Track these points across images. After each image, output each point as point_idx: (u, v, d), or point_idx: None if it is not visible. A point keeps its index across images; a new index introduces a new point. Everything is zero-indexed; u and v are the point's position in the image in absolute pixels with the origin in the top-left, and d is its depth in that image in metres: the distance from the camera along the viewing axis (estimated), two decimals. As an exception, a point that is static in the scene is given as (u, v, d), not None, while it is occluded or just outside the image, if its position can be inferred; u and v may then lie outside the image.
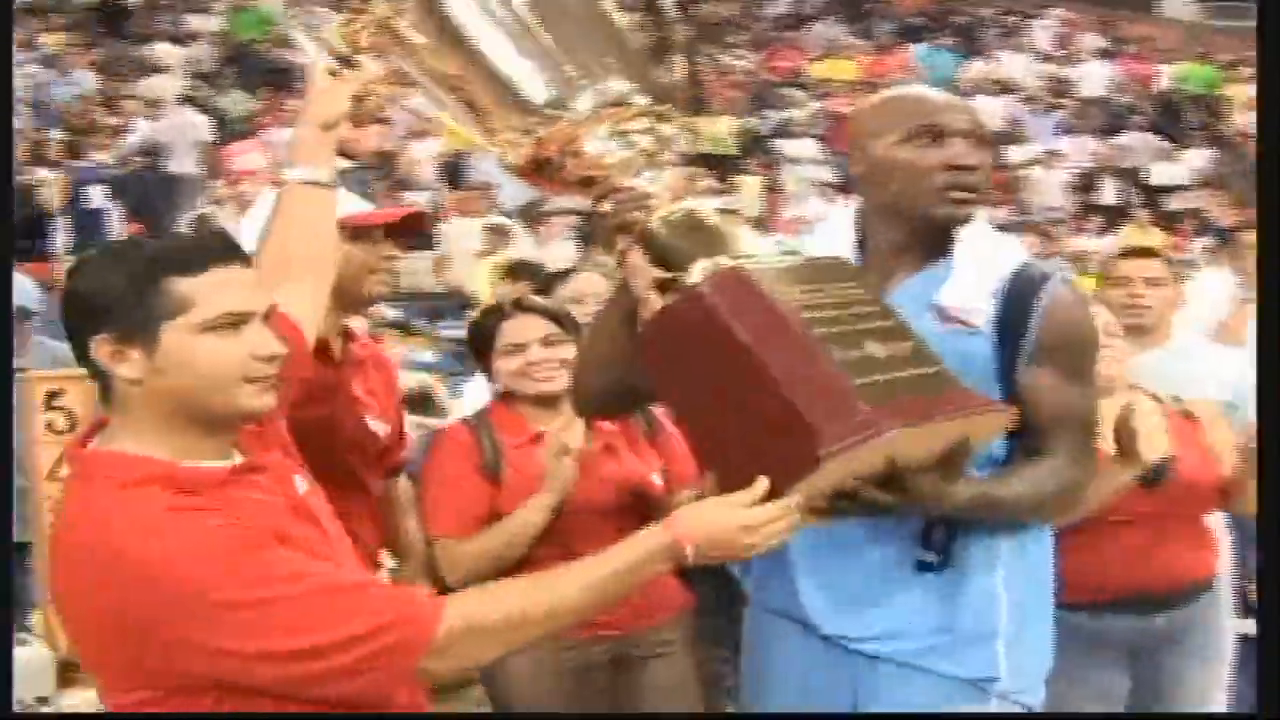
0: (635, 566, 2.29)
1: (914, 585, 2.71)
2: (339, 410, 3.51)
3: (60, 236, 14.07)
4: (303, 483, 2.46)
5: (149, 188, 15.52)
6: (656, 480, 3.74)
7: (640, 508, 3.65)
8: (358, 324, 3.88)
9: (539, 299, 4.12)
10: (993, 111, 20.73)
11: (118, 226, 14.22)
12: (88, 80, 17.64)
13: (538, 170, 2.55)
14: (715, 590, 4.18)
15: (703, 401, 2.37)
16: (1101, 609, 3.82)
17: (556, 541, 3.54)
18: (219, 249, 2.32)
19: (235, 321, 2.26)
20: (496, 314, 3.82)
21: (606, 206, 2.54)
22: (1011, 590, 2.74)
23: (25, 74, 17.23)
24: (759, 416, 2.24)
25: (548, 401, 3.72)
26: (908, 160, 2.66)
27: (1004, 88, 21.41)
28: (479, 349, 3.84)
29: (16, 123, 15.18)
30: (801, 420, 2.18)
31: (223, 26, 20.83)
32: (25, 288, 5.77)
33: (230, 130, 17.11)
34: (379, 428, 3.64)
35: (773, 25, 25.80)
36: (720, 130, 19.33)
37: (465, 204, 14.77)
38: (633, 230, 2.48)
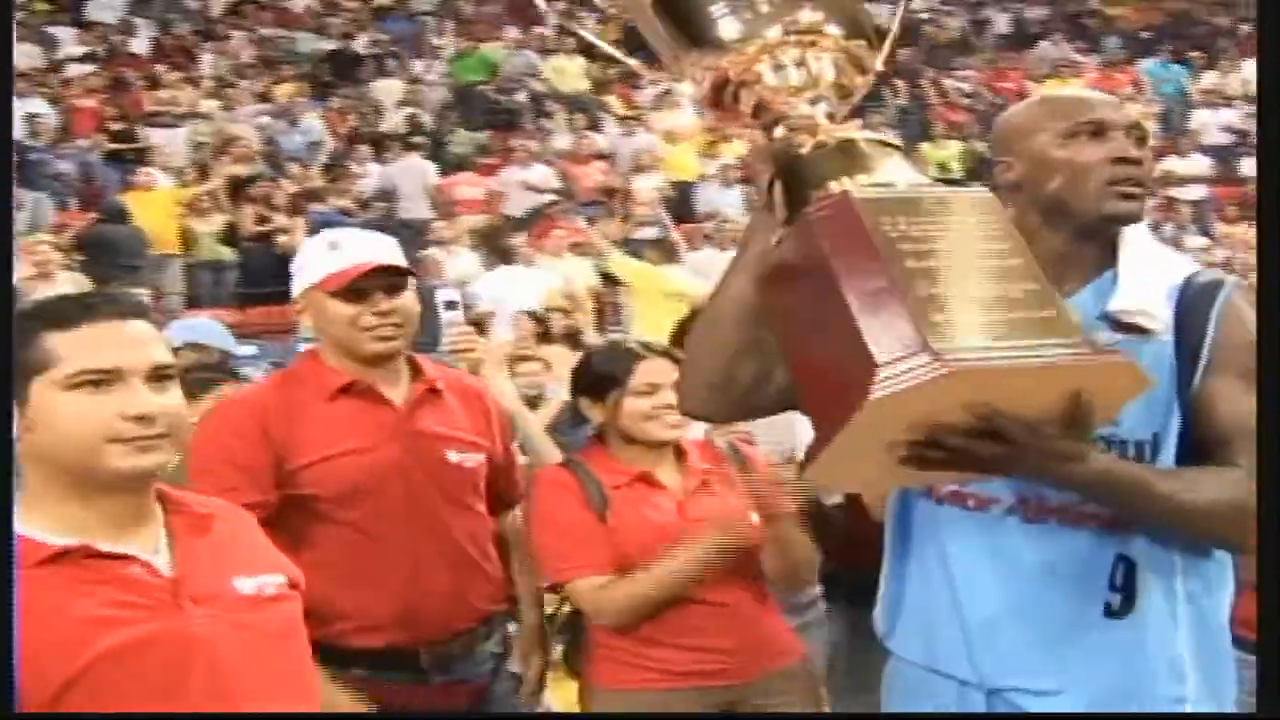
0: None
1: (1097, 638, 2.52)
2: (405, 452, 3.47)
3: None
4: (248, 583, 2.36)
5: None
6: (754, 519, 3.61)
7: (740, 545, 3.58)
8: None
9: (666, 345, 4.09)
10: (1227, 124, 20.23)
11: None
12: (317, 130, 18.15)
13: (718, 97, 2.44)
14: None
15: (799, 331, 2.27)
16: None
17: None
18: (101, 304, 2.28)
19: (99, 379, 2.20)
20: (630, 356, 3.71)
21: (775, 134, 2.40)
22: (1197, 647, 2.55)
23: (258, 124, 17.84)
24: (837, 347, 2.12)
25: (650, 444, 3.66)
26: (1069, 157, 2.54)
27: (1238, 99, 20.81)
28: (599, 387, 3.72)
29: (243, 170, 15.70)
30: (866, 352, 2.05)
31: (447, 71, 21.33)
32: (215, 330, 5.79)
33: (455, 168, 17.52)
34: (465, 459, 3.59)
35: (997, 46, 25.51)
36: (946, 155, 19.11)
37: (693, 235, 14.81)
38: (786, 157, 2.35)
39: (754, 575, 3.68)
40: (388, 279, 3.48)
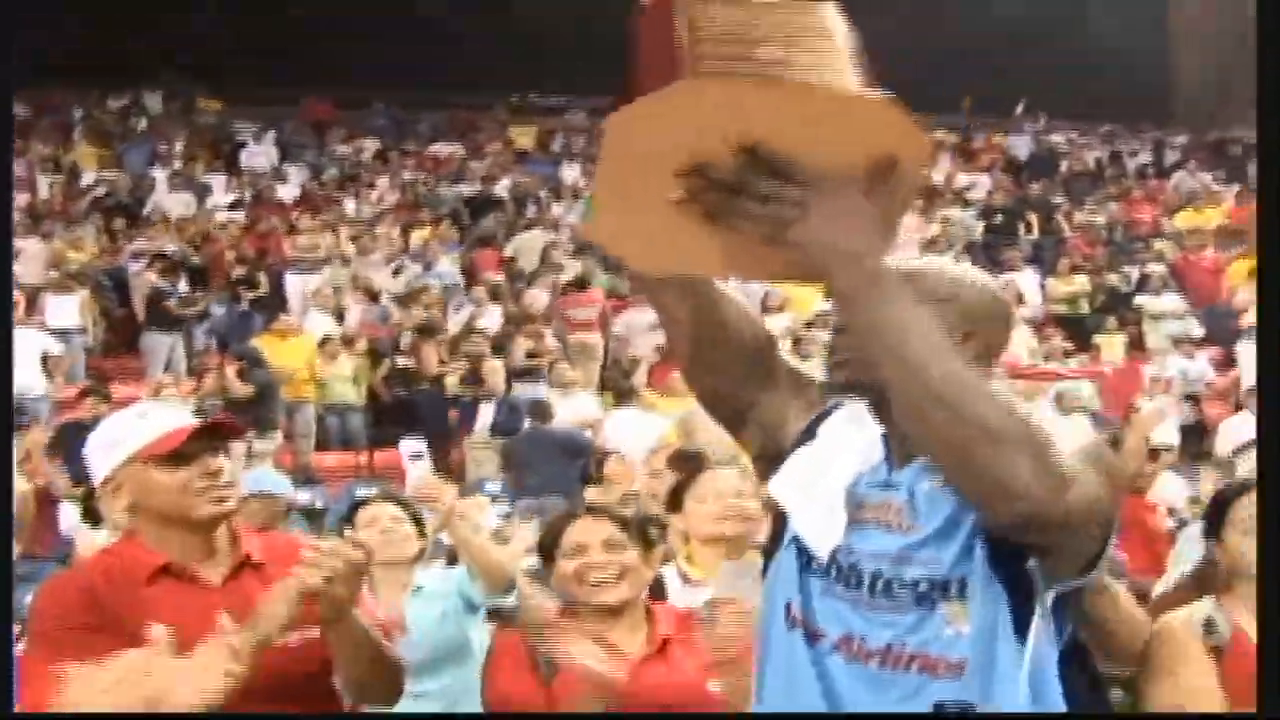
0: None
1: None
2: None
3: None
4: None
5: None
6: (715, 687, 3.49)
7: (698, 715, 3.47)
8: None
9: (611, 505, 3.95)
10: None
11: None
12: (451, 273, 18.55)
13: None
14: None
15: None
16: None
17: None
18: None
19: None
20: (565, 519, 3.71)
21: None
22: None
23: (393, 269, 18.31)
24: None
25: (607, 611, 3.60)
26: None
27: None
28: (546, 554, 3.73)
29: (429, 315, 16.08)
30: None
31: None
32: (280, 482, 6.62)
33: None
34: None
35: (1134, 177, 25.32)
36: (1072, 289, 18.97)
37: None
38: None
39: None
40: (206, 442, 3.27)
